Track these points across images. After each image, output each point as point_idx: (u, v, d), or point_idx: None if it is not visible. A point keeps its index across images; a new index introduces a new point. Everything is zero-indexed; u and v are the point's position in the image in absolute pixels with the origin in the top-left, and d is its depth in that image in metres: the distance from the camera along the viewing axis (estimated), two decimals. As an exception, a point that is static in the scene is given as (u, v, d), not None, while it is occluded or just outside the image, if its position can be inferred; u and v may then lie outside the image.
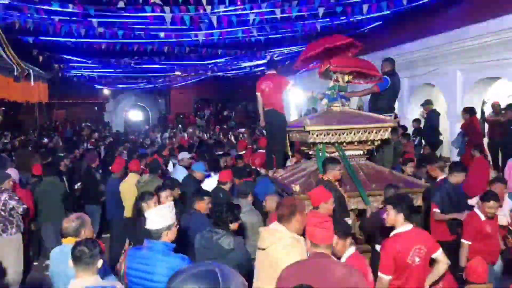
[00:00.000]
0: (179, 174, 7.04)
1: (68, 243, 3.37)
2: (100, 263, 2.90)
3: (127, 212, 6.18)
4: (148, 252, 3.11)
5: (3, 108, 19.40)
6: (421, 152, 9.37)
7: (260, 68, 18.33)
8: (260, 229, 3.59)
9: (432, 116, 9.94)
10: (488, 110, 9.59)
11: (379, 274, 3.56)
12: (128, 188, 6.37)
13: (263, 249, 3.32)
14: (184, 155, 8.20)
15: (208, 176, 6.84)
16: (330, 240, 2.87)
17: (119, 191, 6.50)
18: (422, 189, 5.48)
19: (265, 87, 6.58)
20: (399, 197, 3.94)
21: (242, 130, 16.93)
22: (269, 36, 12.10)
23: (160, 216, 3.15)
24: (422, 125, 10.61)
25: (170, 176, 7.05)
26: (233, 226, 3.89)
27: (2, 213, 5.73)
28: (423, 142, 10.17)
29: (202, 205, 4.72)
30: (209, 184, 6.34)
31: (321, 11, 9.38)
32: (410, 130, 10.57)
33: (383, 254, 3.63)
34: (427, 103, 10.08)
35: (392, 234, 3.76)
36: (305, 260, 2.95)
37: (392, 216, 3.74)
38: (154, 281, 3.00)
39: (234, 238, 3.76)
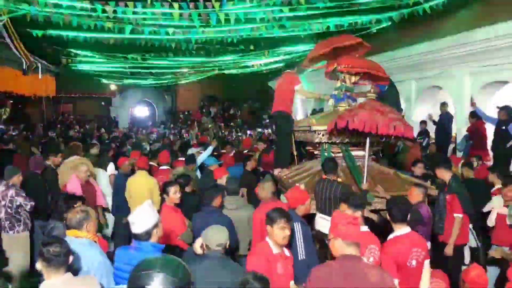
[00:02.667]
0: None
1: (72, 235, 3.38)
2: (70, 259, 2.84)
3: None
4: (136, 253, 3.01)
5: (11, 101, 19.48)
6: (427, 152, 9.38)
7: (268, 67, 18.32)
8: None
9: (445, 118, 9.92)
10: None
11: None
12: (136, 186, 6.36)
13: None
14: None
15: None
16: (360, 237, 2.84)
17: (125, 187, 6.52)
18: (427, 191, 5.46)
19: (277, 84, 6.63)
20: (394, 203, 3.86)
21: (250, 132, 16.99)
22: (278, 35, 12.07)
23: (145, 216, 3.06)
24: (428, 127, 10.62)
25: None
26: None
27: (9, 210, 5.43)
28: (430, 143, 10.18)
29: (219, 201, 4.77)
30: None
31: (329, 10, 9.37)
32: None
33: (384, 258, 3.60)
34: (443, 105, 10.06)
35: (390, 237, 3.77)
36: (336, 262, 2.82)
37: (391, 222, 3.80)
38: None
39: None
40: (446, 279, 3.90)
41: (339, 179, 4.89)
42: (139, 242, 3.07)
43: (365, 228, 3.79)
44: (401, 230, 3.71)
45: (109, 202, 7.46)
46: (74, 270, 3.03)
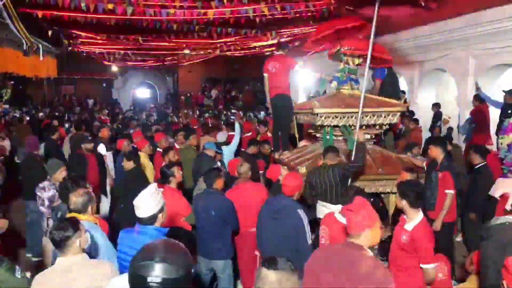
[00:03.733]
0: None
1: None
2: (83, 239, 2.83)
3: None
4: (140, 237, 2.97)
5: (12, 82, 19.44)
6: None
7: (270, 49, 18.14)
8: None
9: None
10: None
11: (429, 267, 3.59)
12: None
13: None
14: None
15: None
16: (356, 230, 2.72)
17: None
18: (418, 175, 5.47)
19: (271, 68, 6.51)
20: (410, 187, 3.85)
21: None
22: (281, 16, 11.92)
23: (150, 201, 2.99)
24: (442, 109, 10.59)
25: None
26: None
27: None
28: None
29: (220, 183, 4.76)
30: None
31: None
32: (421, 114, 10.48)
33: (429, 246, 3.62)
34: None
35: (416, 223, 3.73)
36: (338, 246, 2.89)
37: (405, 207, 3.80)
38: None
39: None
40: (447, 262, 3.95)
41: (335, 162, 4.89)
42: (143, 226, 3.03)
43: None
44: (420, 215, 3.76)
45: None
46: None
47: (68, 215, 3.43)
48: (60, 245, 2.78)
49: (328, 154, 4.87)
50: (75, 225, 2.85)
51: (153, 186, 3.08)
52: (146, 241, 2.89)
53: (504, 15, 7.98)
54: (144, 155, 6.61)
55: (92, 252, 3.22)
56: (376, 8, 4.77)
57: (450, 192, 5.20)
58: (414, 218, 3.75)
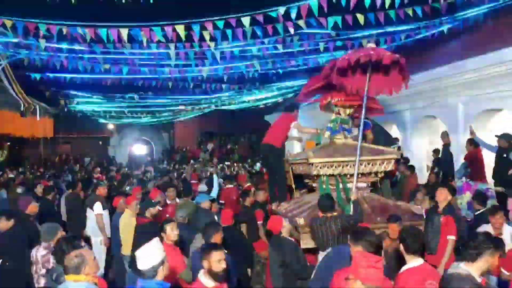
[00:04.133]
0: None
1: (71, 279, 3.32)
2: None
3: (124, 249, 6.11)
4: None
5: (8, 143, 19.54)
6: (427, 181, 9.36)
7: (264, 102, 18.54)
8: None
9: (446, 148, 9.92)
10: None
11: None
12: (124, 224, 6.29)
13: None
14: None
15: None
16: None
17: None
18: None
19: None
20: (409, 233, 3.80)
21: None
22: (272, 71, 12.29)
23: (151, 253, 2.99)
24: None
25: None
26: None
27: None
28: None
29: (218, 237, 4.66)
30: None
31: (321, 46, 9.59)
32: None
33: None
34: (444, 135, 10.07)
35: (403, 269, 3.68)
36: None
37: (403, 253, 3.71)
38: None
39: None
40: (438, 278, 3.79)
41: (335, 213, 4.84)
42: (144, 281, 2.97)
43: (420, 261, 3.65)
44: (414, 261, 3.63)
45: (95, 242, 7.28)
46: None
47: (66, 276, 3.36)
48: None
49: (325, 205, 4.81)
50: None
51: (155, 240, 3.08)
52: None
53: (489, 62, 8.25)
54: (129, 212, 6.53)
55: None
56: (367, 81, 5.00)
57: (452, 238, 5.11)
58: (408, 264, 3.65)
